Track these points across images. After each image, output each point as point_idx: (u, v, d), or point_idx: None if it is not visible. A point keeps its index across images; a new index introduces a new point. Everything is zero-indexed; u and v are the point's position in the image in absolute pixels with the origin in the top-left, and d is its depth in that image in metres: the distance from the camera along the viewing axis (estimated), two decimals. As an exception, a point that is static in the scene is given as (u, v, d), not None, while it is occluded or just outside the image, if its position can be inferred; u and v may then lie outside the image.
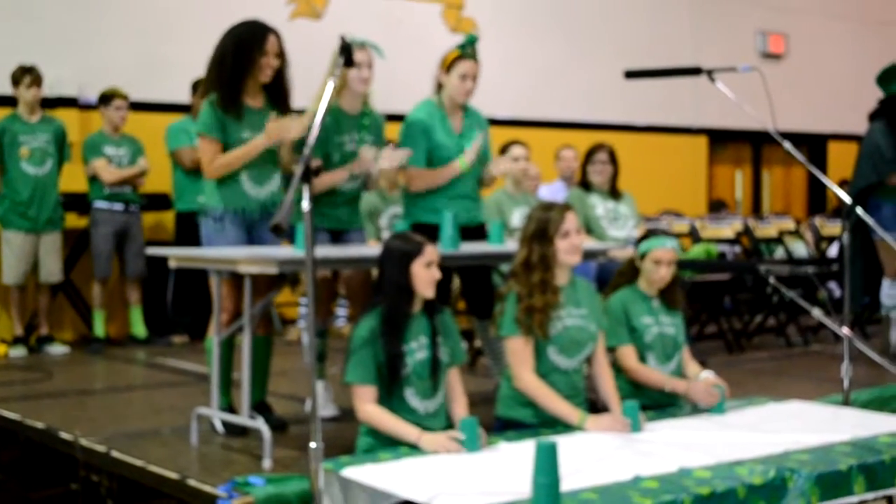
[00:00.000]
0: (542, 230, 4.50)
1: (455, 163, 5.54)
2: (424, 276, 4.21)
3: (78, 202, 8.33)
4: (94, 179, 8.17)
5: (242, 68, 5.14)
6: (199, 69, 8.12)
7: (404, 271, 4.21)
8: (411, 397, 4.21)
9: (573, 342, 4.53)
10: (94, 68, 8.64)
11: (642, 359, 4.89)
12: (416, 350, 4.22)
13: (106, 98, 8.23)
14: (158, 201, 8.60)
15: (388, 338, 4.15)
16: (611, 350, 4.86)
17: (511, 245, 5.80)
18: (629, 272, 5.04)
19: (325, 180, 5.34)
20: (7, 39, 8.33)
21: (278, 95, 5.30)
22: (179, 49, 8.93)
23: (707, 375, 4.92)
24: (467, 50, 5.58)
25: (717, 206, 11.87)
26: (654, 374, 4.86)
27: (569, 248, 4.50)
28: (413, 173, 5.59)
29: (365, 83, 5.43)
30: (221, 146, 5.16)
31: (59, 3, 8.61)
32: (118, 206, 8.20)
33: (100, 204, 8.16)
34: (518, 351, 4.47)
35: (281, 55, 5.22)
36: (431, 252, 4.25)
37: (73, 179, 8.25)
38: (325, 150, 5.36)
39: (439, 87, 5.64)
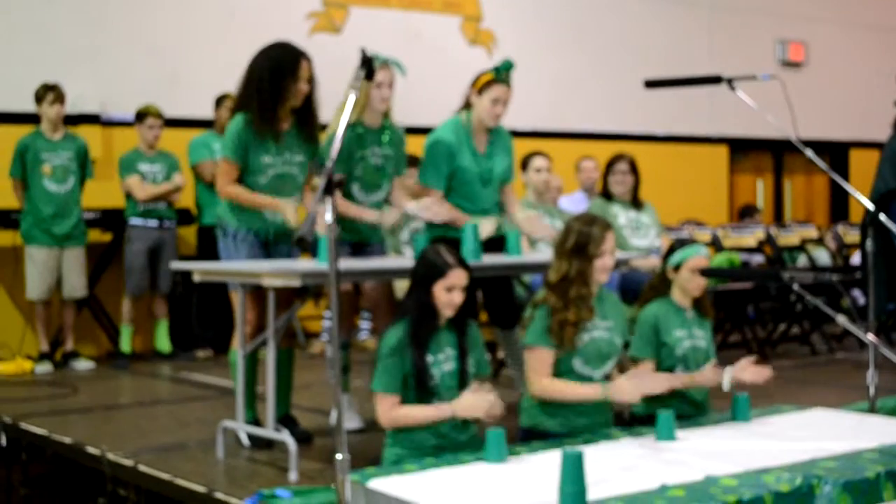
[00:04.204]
0: (582, 246, 4.48)
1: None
2: (444, 300, 4.20)
3: (107, 218, 8.38)
4: (128, 196, 8.24)
5: (277, 94, 5.13)
6: (220, 85, 8.25)
7: (427, 290, 4.22)
8: (440, 409, 4.23)
9: (599, 354, 4.53)
10: (116, 85, 8.71)
11: (673, 371, 4.85)
12: (443, 362, 4.22)
13: (140, 116, 8.32)
14: (181, 216, 8.64)
15: (414, 349, 4.16)
16: (634, 361, 4.86)
17: (532, 256, 5.81)
18: (660, 285, 4.99)
19: (352, 211, 5.35)
20: (30, 57, 8.40)
21: (306, 118, 5.29)
22: (200, 65, 8.99)
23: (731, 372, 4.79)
24: (502, 74, 5.53)
25: (747, 212, 11.72)
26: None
27: (602, 267, 4.50)
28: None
29: (385, 102, 5.43)
30: (238, 169, 5.17)
31: (80, 21, 8.68)
32: (152, 223, 8.26)
33: (134, 220, 8.22)
34: (539, 361, 4.47)
35: (311, 79, 5.23)
36: (455, 277, 4.20)
37: (101, 195, 8.31)
38: (349, 164, 5.38)
39: (467, 104, 5.61)
